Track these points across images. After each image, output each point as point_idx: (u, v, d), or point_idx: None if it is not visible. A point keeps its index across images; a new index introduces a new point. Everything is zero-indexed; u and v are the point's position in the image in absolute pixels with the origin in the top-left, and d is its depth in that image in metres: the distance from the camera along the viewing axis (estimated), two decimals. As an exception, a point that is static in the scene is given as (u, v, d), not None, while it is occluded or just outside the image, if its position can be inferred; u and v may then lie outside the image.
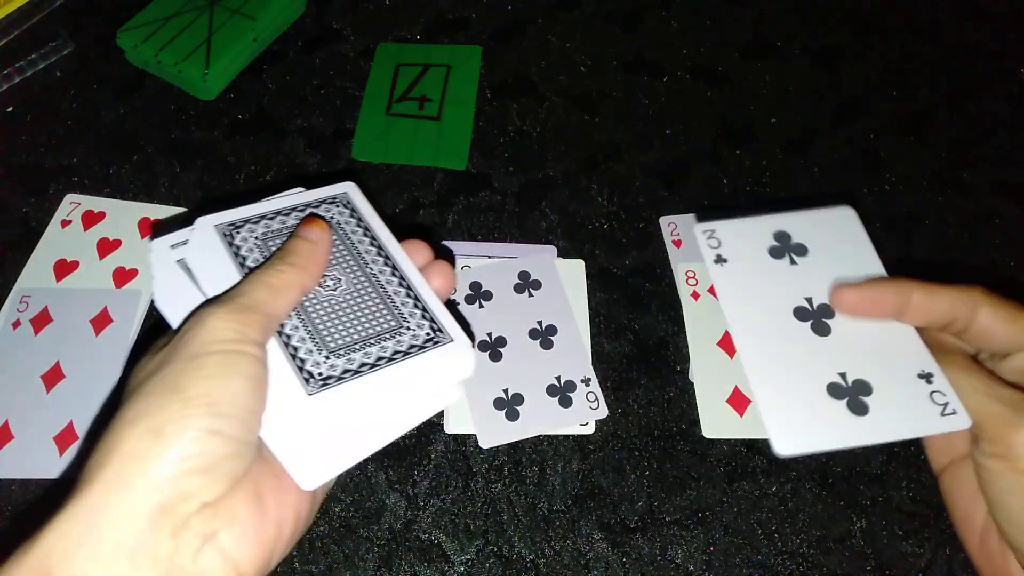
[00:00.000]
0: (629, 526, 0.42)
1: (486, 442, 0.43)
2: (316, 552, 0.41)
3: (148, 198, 0.52)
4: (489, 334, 0.46)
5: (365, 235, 0.36)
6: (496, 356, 0.46)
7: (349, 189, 0.38)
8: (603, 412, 0.44)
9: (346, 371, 0.31)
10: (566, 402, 0.44)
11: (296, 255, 0.32)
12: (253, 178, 0.54)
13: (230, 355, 0.27)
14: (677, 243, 0.51)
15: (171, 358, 0.27)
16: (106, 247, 0.49)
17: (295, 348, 0.31)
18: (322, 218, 0.35)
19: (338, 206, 0.37)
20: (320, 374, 0.30)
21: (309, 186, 0.38)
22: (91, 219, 0.51)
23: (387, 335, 0.33)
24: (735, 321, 0.34)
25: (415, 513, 0.42)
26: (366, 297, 0.34)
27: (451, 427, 0.44)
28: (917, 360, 0.31)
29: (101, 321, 0.46)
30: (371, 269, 0.35)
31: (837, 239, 0.35)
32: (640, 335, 0.48)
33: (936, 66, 0.60)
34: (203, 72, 0.56)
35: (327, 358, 0.31)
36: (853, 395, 0.31)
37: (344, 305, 0.33)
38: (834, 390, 0.31)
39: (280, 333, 0.31)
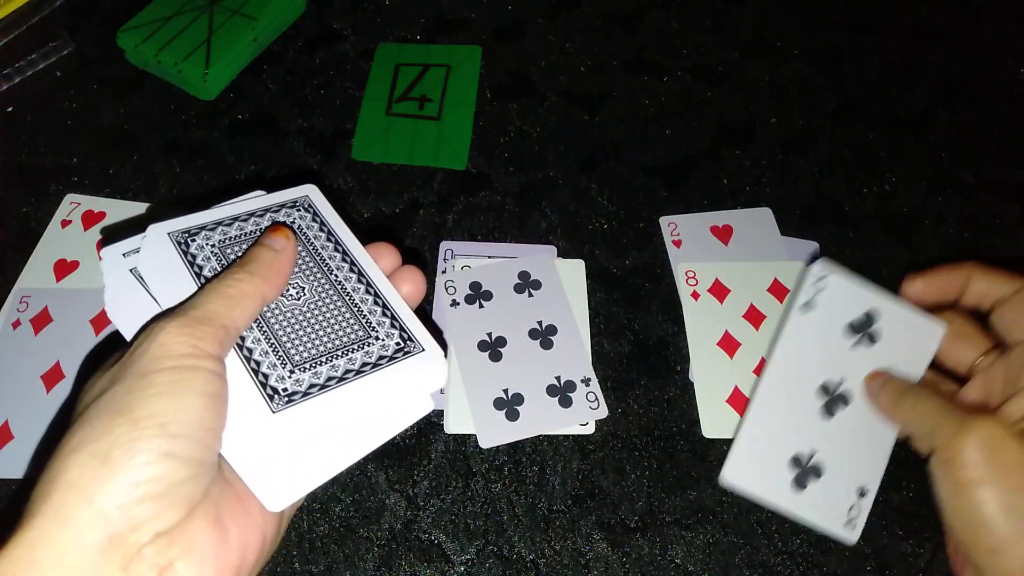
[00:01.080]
0: (629, 526, 0.42)
1: (486, 442, 0.43)
2: (316, 552, 0.41)
3: (148, 198, 0.52)
4: (489, 334, 0.46)
5: (328, 240, 0.35)
6: (496, 356, 0.46)
7: (310, 192, 0.37)
8: (603, 412, 0.44)
9: (312, 386, 0.29)
10: (566, 402, 0.44)
11: (256, 263, 0.30)
12: (253, 178, 0.54)
13: (183, 371, 0.25)
14: (677, 243, 0.51)
15: (119, 377, 0.25)
16: (106, 247, 0.50)
17: (257, 363, 0.29)
18: (286, 225, 0.34)
19: (299, 210, 0.36)
20: (285, 390, 0.29)
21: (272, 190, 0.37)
22: (91, 219, 0.51)
23: (355, 346, 0.31)
24: (779, 364, 0.37)
25: (415, 513, 0.42)
26: (332, 306, 0.32)
27: (451, 427, 0.44)
28: (868, 475, 0.37)
29: (101, 321, 0.46)
30: (336, 276, 0.33)
31: (907, 345, 0.36)
32: (640, 335, 0.48)
33: (936, 66, 0.60)
34: (203, 72, 0.56)
35: (291, 373, 0.29)
36: (804, 473, 0.36)
37: (309, 316, 0.32)
38: (795, 462, 0.36)
39: (241, 348, 0.29)
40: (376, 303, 0.33)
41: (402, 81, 0.58)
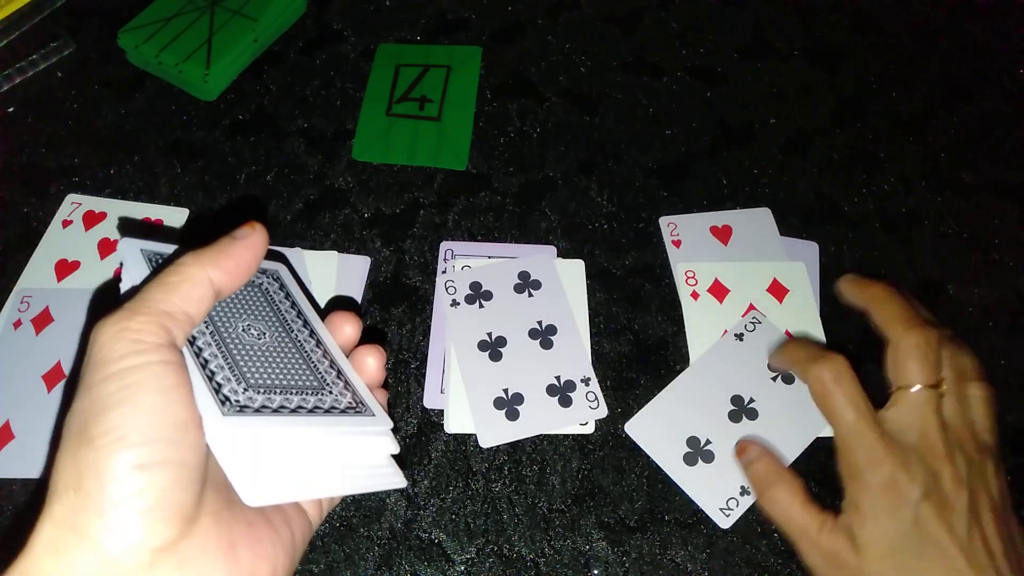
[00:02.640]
0: (629, 525, 0.42)
1: (486, 442, 0.43)
2: (316, 551, 0.41)
3: (149, 198, 0.53)
4: (489, 334, 0.46)
5: (292, 308, 0.35)
6: (496, 356, 0.46)
7: (280, 269, 0.37)
8: (603, 412, 0.45)
9: (264, 407, 0.29)
10: (566, 402, 0.44)
11: (208, 248, 0.28)
12: (254, 179, 0.54)
13: (128, 373, 0.24)
14: (677, 243, 0.51)
15: (78, 394, 0.25)
16: (107, 247, 0.50)
17: (212, 372, 0.28)
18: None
19: (268, 277, 0.36)
20: (237, 401, 0.28)
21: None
22: (92, 219, 0.51)
23: (309, 390, 0.31)
24: (704, 364, 0.46)
25: (415, 512, 0.42)
26: (290, 355, 0.33)
27: (451, 427, 0.44)
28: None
29: (102, 321, 0.46)
30: (296, 336, 0.34)
31: None
32: (640, 335, 0.48)
33: (935, 66, 0.60)
34: (204, 73, 0.56)
35: (245, 390, 0.29)
36: (695, 454, 0.43)
37: (268, 354, 0.32)
38: (691, 441, 0.43)
39: (198, 355, 0.29)
40: (332, 367, 0.34)
41: (402, 82, 0.58)
